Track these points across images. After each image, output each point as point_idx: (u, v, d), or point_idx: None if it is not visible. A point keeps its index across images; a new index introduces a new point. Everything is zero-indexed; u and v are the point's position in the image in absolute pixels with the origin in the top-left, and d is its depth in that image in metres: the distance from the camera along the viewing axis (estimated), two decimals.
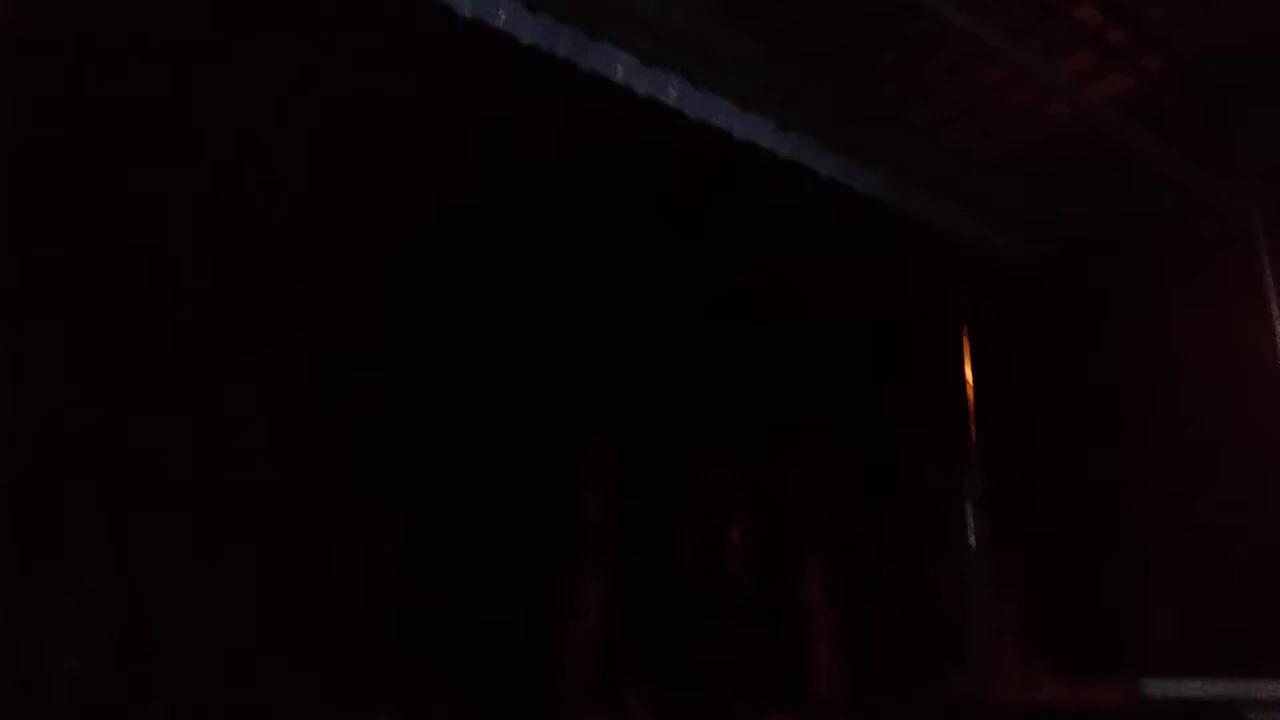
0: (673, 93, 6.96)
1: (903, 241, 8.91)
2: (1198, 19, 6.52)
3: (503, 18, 5.97)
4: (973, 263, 9.30)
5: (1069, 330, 9.08)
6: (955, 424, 10.16)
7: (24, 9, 4.81)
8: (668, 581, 9.99)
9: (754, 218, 8.64)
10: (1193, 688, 4.09)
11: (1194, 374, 7.83)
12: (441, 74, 5.86)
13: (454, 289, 8.11)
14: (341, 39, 5.64)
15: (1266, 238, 7.88)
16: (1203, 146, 7.64)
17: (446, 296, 7.99)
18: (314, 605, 6.63)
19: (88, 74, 5.11)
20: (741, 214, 8.48)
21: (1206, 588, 7.78)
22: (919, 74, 6.87)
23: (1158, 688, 4.25)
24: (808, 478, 10.47)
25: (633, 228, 8.47)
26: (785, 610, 10.60)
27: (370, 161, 6.16)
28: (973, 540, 9.87)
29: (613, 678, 8.96)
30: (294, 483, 6.38)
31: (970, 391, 9.99)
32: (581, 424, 9.10)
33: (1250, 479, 7.36)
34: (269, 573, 6.16)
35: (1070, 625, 9.00)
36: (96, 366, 5.34)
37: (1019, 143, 7.71)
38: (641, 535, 9.69)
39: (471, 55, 5.95)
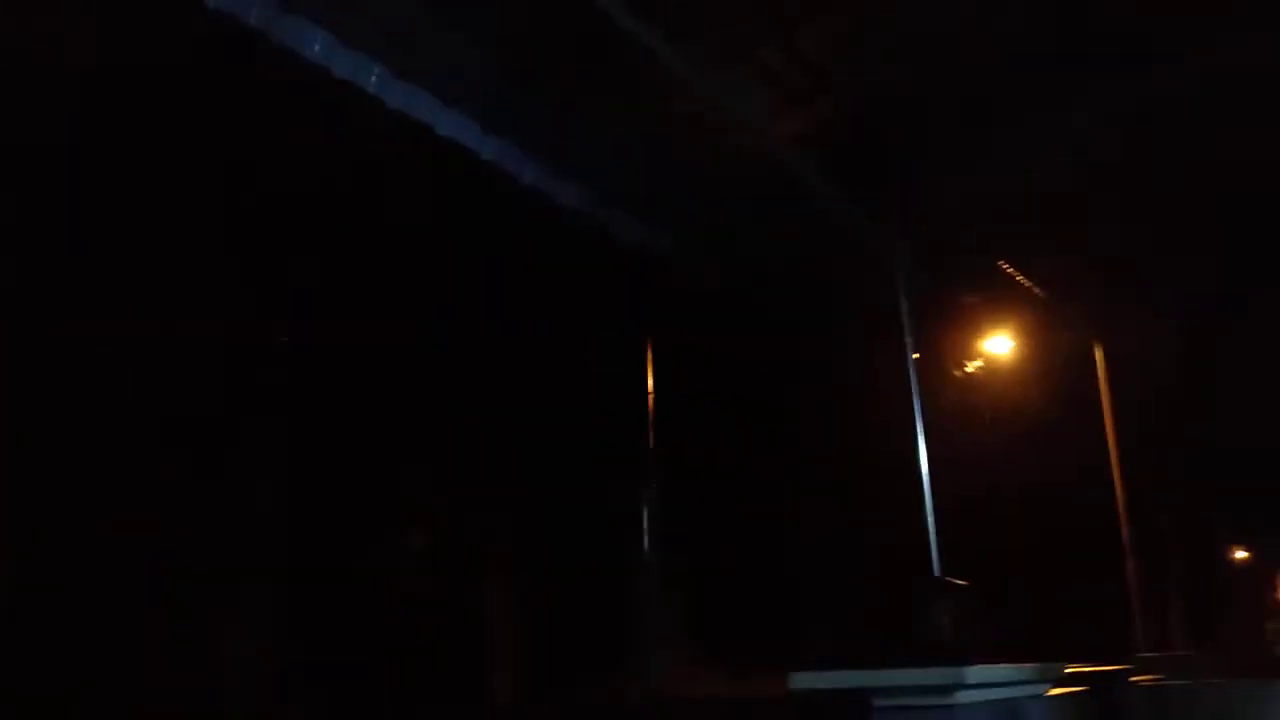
0: (373, 80, 6.66)
1: (596, 253, 9.13)
2: (869, 69, 7.23)
3: None
4: (661, 279, 9.73)
5: (743, 348, 9.75)
6: (635, 430, 10.55)
7: None
8: (344, 586, 9.54)
9: (451, 216, 8.49)
10: (832, 678, 4.57)
11: (841, 396, 8.70)
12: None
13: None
14: None
15: (906, 278, 8.89)
16: (862, 188, 8.50)
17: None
18: None
19: None
20: (437, 210, 8.30)
21: (852, 589, 8.65)
22: (623, 96, 7.06)
23: (803, 679, 4.70)
24: (489, 482, 10.43)
25: (325, 214, 8.03)
26: (464, 614, 10.48)
27: None
28: (646, 543, 10.29)
29: (286, 682, 8.42)
30: None
31: (651, 400, 10.42)
32: (256, 425, 8.50)
33: (882, 491, 8.29)
34: None
35: (734, 624, 9.65)
36: None
37: (710, 169, 8.14)
38: (317, 538, 9.19)
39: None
